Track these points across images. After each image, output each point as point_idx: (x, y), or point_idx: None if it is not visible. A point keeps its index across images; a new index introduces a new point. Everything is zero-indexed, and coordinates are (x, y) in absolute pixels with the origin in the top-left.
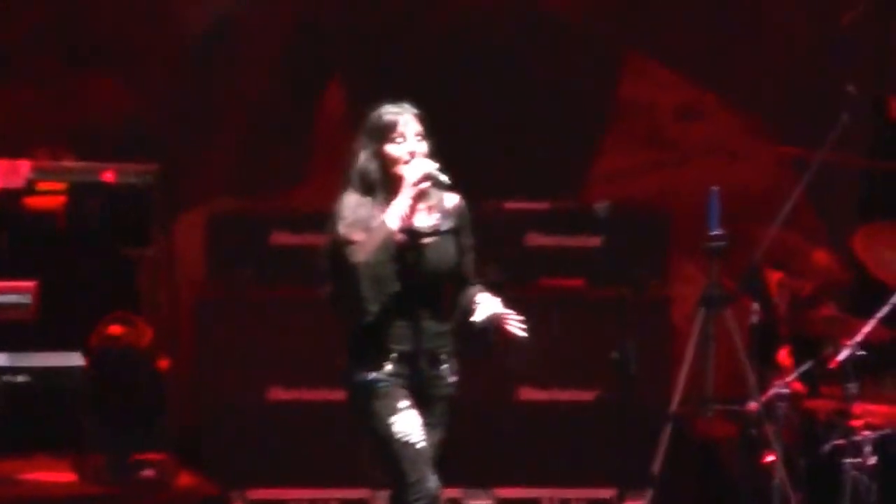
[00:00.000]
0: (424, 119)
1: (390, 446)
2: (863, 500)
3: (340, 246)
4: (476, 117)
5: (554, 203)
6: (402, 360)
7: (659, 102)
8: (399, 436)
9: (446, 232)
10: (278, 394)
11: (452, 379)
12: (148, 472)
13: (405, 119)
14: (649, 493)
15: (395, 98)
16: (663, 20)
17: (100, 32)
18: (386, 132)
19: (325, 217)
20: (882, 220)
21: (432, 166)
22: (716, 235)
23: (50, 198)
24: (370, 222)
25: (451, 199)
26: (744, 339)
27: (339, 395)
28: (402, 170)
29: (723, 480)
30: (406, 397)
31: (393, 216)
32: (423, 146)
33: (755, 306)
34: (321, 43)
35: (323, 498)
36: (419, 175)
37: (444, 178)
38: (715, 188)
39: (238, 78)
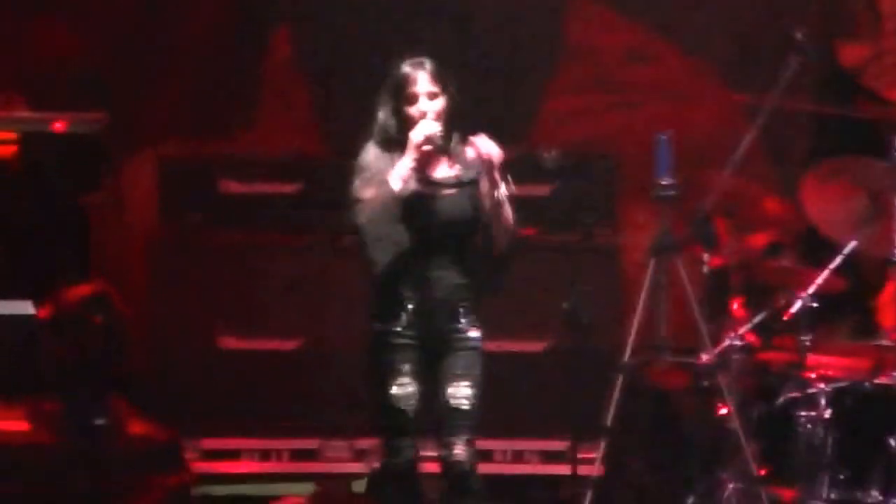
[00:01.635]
0: (441, 75)
1: (382, 406)
2: (817, 452)
3: (352, 203)
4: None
5: (502, 150)
6: (418, 311)
7: (606, 46)
8: (392, 400)
9: (467, 183)
10: (230, 342)
11: (474, 333)
12: (101, 420)
13: (418, 77)
14: (602, 444)
15: (339, 44)
16: None
17: None
18: (400, 90)
19: (272, 163)
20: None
21: (434, 128)
22: (666, 183)
23: (2, 147)
24: (385, 177)
25: (472, 153)
26: (696, 289)
27: (289, 344)
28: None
29: (677, 431)
30: (412, 359)
31: (395, 177)
32: (436, 105)
33: (706, 255)
34: None
35: (275, 448)
36: (421, 138)
37: (437, 146)
38: (663, 135)
39: (186, 22)
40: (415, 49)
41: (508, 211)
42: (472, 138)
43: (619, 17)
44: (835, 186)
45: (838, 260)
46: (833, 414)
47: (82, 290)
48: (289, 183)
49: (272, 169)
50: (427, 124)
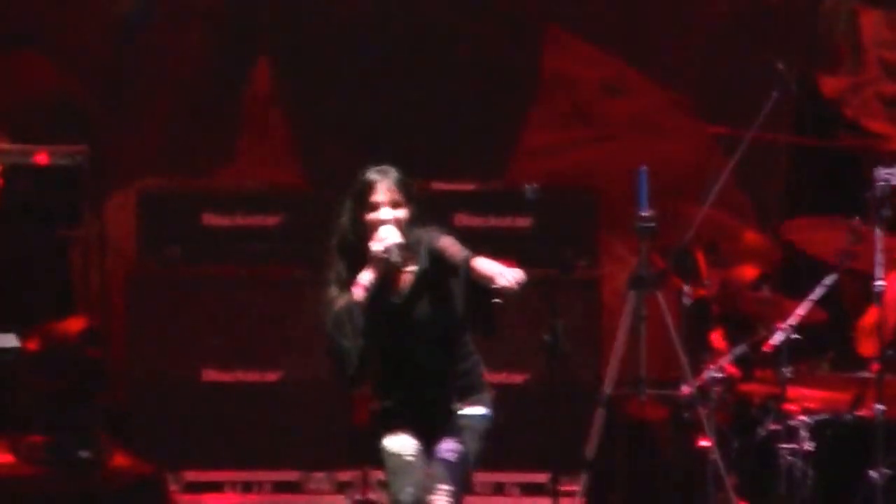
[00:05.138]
0: (405, 183)
1: (384, 460)
2: (798, 484)
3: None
4: (400, 96)
5: (481, 183)
6: (409, 396)
7: (583, 79)
8: (389, 450)
9: (421, 284)
10: (211, 374)
11: (473, 412)
12: (83, 453)
13: (382, 185)
14: (584, 478)
15: (321, 76)
16: None
17: (30, 14)
18: (363, 197)
19: (253, 196)
20: (807, 206)
21: (394, 238)
22: (645, 216)
23: None
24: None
25: (422, 241)
26: (676, 321)
27: (271, 375)
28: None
29: (657, 464)
30: (404, 422)
31: (358, 289)
32: (399, 213)
33: (686, 287)
34: (247, 22)
35: (256, 480)
36: (380, 248)
37: (397, 258)
38: (644, 167)
39: (166, 57)
40: (392, 85)
41: (484, 266)
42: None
43: (596, 51)
44: (816, 227)
45: (819, 291)
46: (814, 446)
47: (75, 324)
48: (269, 216)
49: (252, 202)
50: (385, 233)
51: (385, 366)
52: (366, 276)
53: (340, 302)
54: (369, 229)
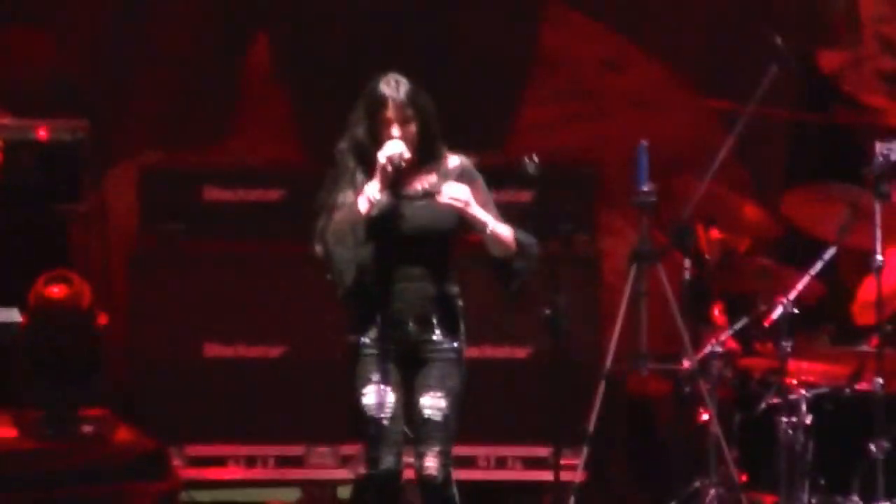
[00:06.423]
0: (416, 96)
1: (359, 418)
2: (798, 457)
3: (321, 226)
4: (400, 71)
5: (480, 157)
6: (389, 323)
7: (582, 54)
8: (365, 410)
9: (434, 194)
10: (214, 349)
11: (450, 344)
12: (87, 428)
13: (393, 101)
14: (585, 451)
15: (320, 51)
16: None
17: None
18: (375, 111)
19: (255, 171)
20: (806, 180)
21: (398, 149)
22: (645, 190)
23: None
24: (356, 191)
25: (453, 161)
26: (676, 296)
27: (274, 351)
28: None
29: (658, 437)
30: (382, 368)
31: (363, 200)
32: (409, 129)
33: (687, 262)
34: None
35: (260, 454)
36: (384, 160)
37: (402, 164)
38: (643, 142)
39: (166, 31)
40: (392, 60)
41: (505, 238)
42: (441, 192)
43: (595, 27)
44: (815, 201)
45: (818, 265)
46: (813, 420)
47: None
48: (271, 191)
49: (254, 177)
50: (391, 145)
51: (370, 287)
52: (372, 188)
53: (341, 214)
54: (380, 142)
